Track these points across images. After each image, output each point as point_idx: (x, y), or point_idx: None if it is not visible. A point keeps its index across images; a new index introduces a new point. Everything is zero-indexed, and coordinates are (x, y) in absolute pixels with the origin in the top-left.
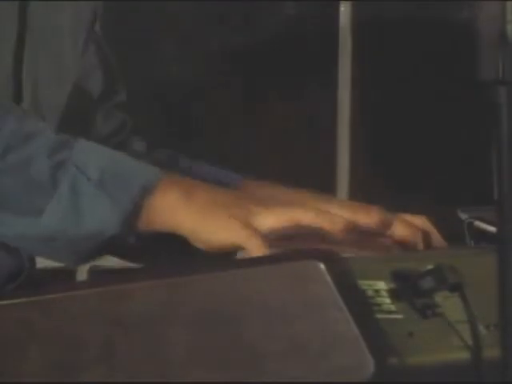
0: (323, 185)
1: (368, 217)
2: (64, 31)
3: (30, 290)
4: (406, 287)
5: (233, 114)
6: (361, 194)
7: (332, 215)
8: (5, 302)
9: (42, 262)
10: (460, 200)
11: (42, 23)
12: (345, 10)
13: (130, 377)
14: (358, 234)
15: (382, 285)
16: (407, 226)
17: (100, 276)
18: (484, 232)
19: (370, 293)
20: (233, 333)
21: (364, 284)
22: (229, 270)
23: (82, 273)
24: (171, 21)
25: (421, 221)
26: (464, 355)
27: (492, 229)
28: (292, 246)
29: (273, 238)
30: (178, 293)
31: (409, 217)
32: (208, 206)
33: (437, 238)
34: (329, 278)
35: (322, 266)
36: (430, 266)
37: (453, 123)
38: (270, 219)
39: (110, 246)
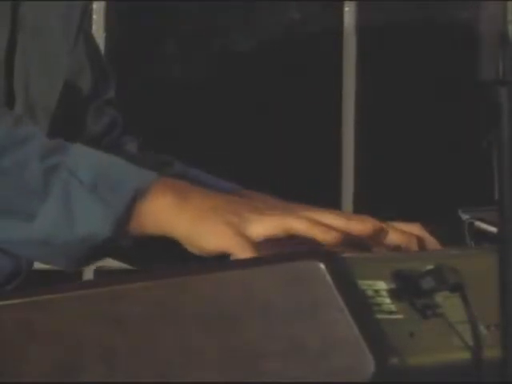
0: (327, 189)
1: (361, 226)
2: (55, 31)
3: (29, 290)
4: (407, 287)
5: (232, 120)
6: (365, 196)
7: (325, 225)
8: (5, 302)
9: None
10: (460, 200)
11: (33, 23)
12: (349, 10)
13: (130, 377)
14: (351, 244)
15: (382, 285)
16: (401, 234)
17: (103, 276)
18: (484, 232)
19: (370, 293)
20: (233, 333)
21: (364, 284)
22: (229, 270)
23: (89, 273)
24: (172, 20)
25: (416, 228)
26: (464, 355)
27: (492, 229)
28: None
29: (265, 244)
30: (178, 293)
31: (403, 225)
32: (202, 211)
33: (432, 243)
34: (329, 278)
35: (322, 265)
36: (430, 266)
37: (456, 124)
38: (263, 227)
39: (107, 249)
